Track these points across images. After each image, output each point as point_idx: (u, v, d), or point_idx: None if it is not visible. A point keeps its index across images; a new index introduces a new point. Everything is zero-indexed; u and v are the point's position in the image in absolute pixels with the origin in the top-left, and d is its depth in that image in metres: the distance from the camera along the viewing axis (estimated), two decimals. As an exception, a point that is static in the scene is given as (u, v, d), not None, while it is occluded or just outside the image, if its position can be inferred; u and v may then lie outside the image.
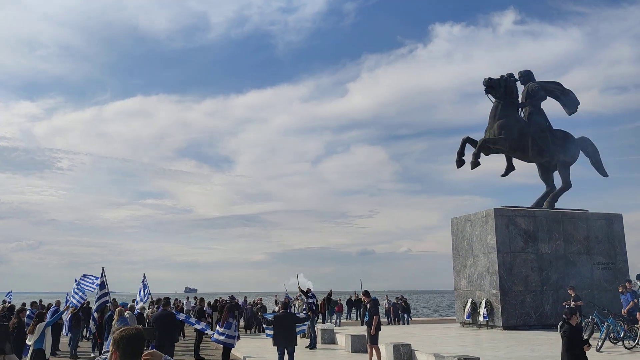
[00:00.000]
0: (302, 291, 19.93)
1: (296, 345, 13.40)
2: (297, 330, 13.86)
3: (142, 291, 21.33)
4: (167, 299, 14.13)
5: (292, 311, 17.25)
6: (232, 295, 31.41)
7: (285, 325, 13.07)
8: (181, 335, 21.57)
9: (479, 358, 11.35)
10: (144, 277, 21.95)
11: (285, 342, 13.01)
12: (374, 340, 13.77)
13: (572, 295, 17.38)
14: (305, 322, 14.53)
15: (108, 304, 15.38)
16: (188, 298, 31.51)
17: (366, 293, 15.31)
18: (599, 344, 13.39)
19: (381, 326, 14.29)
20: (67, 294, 20.61)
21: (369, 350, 13.91)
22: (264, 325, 14.07)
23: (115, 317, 13.59)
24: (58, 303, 19.48)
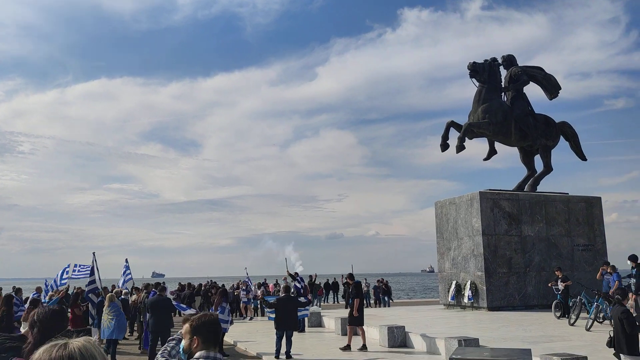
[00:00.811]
0: (290, 274, 19.88)
1: (296, 329, 13.39)
2: (299, 314, 13.83)
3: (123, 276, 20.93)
4: (163, 285, 13.91)
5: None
6: (212, 280, 31.21)
7: (287, 308, 13.01)
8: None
9: (478, 339, 11.51)
10: (126, 261, 21.47)
11: (286, 325, 12.97)
12: (355, 321, 13.91)
13: (560, 276, 17.75)
14: (307, 307, 14.48)
15: (98, 290, 15.03)
16: (164, 283, 31.06)
17: (350, 276, 15.44)
18: (589, 324, 13.72)
19: (364, 309, 14.49)
20: (47, 280, 20.07)
21: (348, 331, 14.03)
22: (266, 309, 13.97)
23: (106, 302, 13.32)
24: (39, 290, 18.98)
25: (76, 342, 1.70)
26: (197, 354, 3.11)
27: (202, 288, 24.06)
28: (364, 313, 14.34)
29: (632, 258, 13.86)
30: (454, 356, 5.95)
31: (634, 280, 13.54)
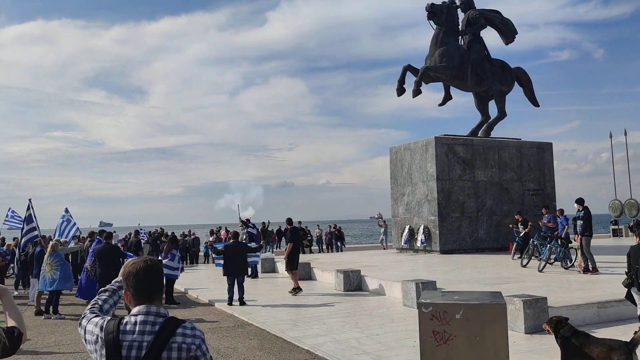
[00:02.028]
0: (242, 221, 19.31)
1: (247, 275, 12.93)
2: (249, 260, 13.36)
3: (63, 226, 19.83)
4: (110, 233, 13.03)
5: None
6: (161, 228, 30.34)
7: (235, 254, 12.51)
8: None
9: (435, 281, 11.38)
10: (66, 211, 20.34)
11: (235, 271, 12.50)
12: (289, 266, 13.78)
13: (519, 219, 17.88)
14: (258, 253, 14.00)
15: (37, 239, 14.02)
16: (115, 232, 29.94)
17: (289, 221, 15.10)
18: (541, 265, 13.90)
19: (305, 254, 14.29)
20: None
21: (291, 276, 13.91)
22: (214, 255, 13.43)
23: (47, 252, 12.41)
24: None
25: None
26: (132, 310, 2.49)
27: (151, 236, 23.23)
28: (300, 259, 14.06)
29: (579, 201, 14.00)
30: (422, 300, 5.57)
31: (580, 222, 13.74)
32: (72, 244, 17.53)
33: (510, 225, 18.79)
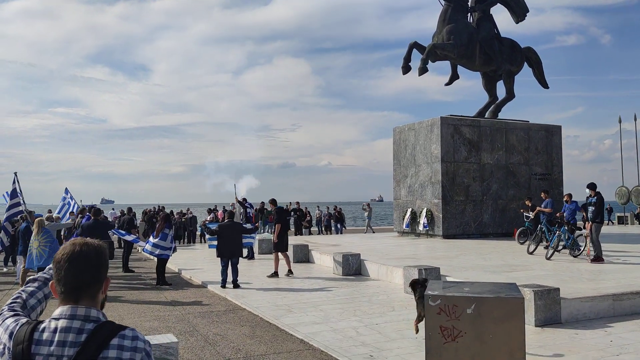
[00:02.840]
0: (238, 201, 18.71)
1: (241, 256, 12.36)
2: (244, 242, 12.77)
3: (65, 209, 19.39)
4: (98, 209, 12.43)
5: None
6: (161, 206, 29.78)
7: (230, 235, 11.92)
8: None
9: (439, 268, 10.81)
10: (66, 192, 19.87)
11: (229, 252, 11.92)
12: (277, 247, 13.37)
13: (529, 205, 17.24)
14: (253, 235, 13.41)
15: (22, 214, 13.44)
16: (113, 209, 29.44)
17: (273, 201, 14.57)
18: (549, 253, 13.30)
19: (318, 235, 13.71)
20: None
21: (274, 258, 13.46)
22: (207, 236, 12.85)
23: (34, 228, 11.82)
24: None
25: None
26: (55, 312, 1.87)
27: (147, 214, 22.68)
28: (298, 240, 13.48)
29: (591, 186, 13.25)
30: (429, 292, 4.97)
31: (592, 209, 13.05)
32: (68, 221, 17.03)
33: (521, 210, 18.16)
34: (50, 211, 22.02)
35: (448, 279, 10.50)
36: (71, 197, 19.68)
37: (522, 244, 16.38)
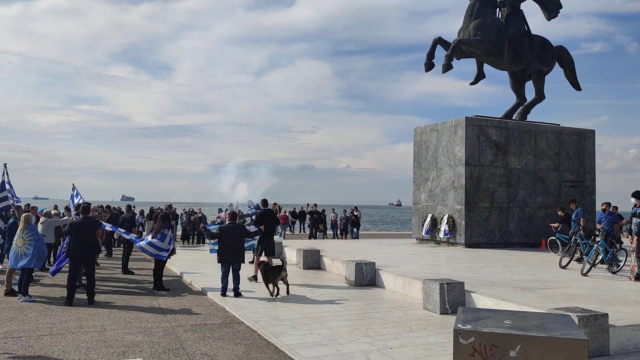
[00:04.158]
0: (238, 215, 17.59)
1: (243, 262, 11.28)
2: (246, 245, 11.69)
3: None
4: (87, 205, 11.40)
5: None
6: (169, 204, 28.89)
7: (231, 238, 10.84)
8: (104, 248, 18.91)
9: (463, 283, 9.61)
10: (73, 188, 18.89)
11: (230, 257, 10.84)
12: (255, 251, 12.82)
13: (562, 215, 15.85)
14: (256, 237, 12.34)
15: (11, 209, 12.54)
16: (134, 206, 28.25)
17: (264, 202, 13.72)
18: (585, 268, 11.98)
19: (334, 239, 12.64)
20: None
21: (255, 261, 12.77)
22: (208, 240, 11.80)
23: (20, 224, 10.89)
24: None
25: None
26: None
27: (154, 212, 21.77)
28: (311, 245, 12.42)
29: (637, 195, 11.83)
30: (460, 326, 3.81)
31: (637, 220, 11.61)
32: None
33: (552, 225, 16.78)
34: (56, 207, 21.22)
35: (473, 295, 9.31)
36: (76, 194, 18.72)
37: (556, 254, 14.97)
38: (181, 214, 26.21)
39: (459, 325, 3.83)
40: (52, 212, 15.45)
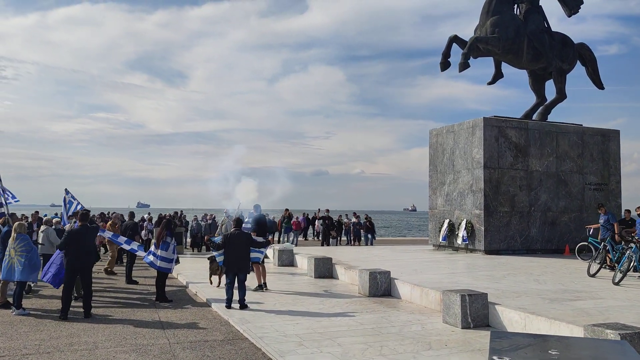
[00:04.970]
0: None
1: (248, 272, 10.61)
2: (252, 256, 10.98)
3: (66, 208, 17.83)
4: (86, 211, 10.81)
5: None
6: (179, 211, 28.33)
7: (236, 245, 10.17)
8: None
9: (486, 294, 8.82)
10: (66, 192, 18.18)
11: (235, 266, 10.18)
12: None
13: (603, 212, 14.42)
14: (263, 249, 11.62)
15: (5, 217, 12.00)
16: (149, 213, 27.60)
17: (255, 207, 13.13)
18: (617, 277, 11.11)
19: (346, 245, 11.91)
20: None
21: (255, 270, 12.10)
22: (215, 253, 11.11)
23: (12, 234, 10.33)
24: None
25: None
26: None
27: (160, 219, 21.21)
28: (322, 252, 11.73)
29: None
30: (497, 358, 3.08)
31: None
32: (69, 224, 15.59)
33: (587, 227, 15.80)
34: (57, 214, 20.72)
35: (497, 307, 8.52)
36: (72, 198, 18.00)
37: (585, 260, 13.94)
38: (191, 222, 25.65)
39: (495, 358, 3.10)
40: (54, 220, 14.90)
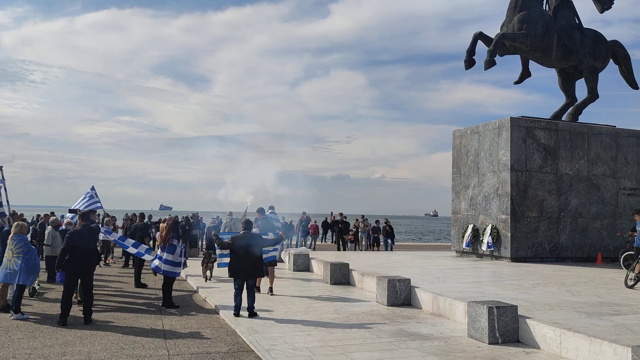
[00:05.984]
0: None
1: (260, 277, 9.96)
2: (265, 257, 10.33)
3: (87, 203, 17.50)
4: (86, 212, 10.27)
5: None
6: (196, 213, 27.90)
7: (246, 249, 9.52)
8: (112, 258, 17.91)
9: (516, 307, 8.02)
10: (92, 188, 18.07)
11: (244, 271, 9.53)
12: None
13: (638, 219, 13.45)
14: (276, 246, 10.96)
15: (6, 217, 11.57)
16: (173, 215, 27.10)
17: (260, 210, 12.55)
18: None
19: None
20: None
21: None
22: (218, 250, 10.49)
23: (11, 233, 9.86)
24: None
25: None
26: None
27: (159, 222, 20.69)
28: (337, 257, 11.04)
29: None
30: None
31: None
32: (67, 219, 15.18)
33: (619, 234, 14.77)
34: (62, 216, 20.41)
35: (529, 321, 7.71)
36: (95, 194, 17.76)
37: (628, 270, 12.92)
38: (208, 224, 25.14)
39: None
40: (64, 221, 14.48)
